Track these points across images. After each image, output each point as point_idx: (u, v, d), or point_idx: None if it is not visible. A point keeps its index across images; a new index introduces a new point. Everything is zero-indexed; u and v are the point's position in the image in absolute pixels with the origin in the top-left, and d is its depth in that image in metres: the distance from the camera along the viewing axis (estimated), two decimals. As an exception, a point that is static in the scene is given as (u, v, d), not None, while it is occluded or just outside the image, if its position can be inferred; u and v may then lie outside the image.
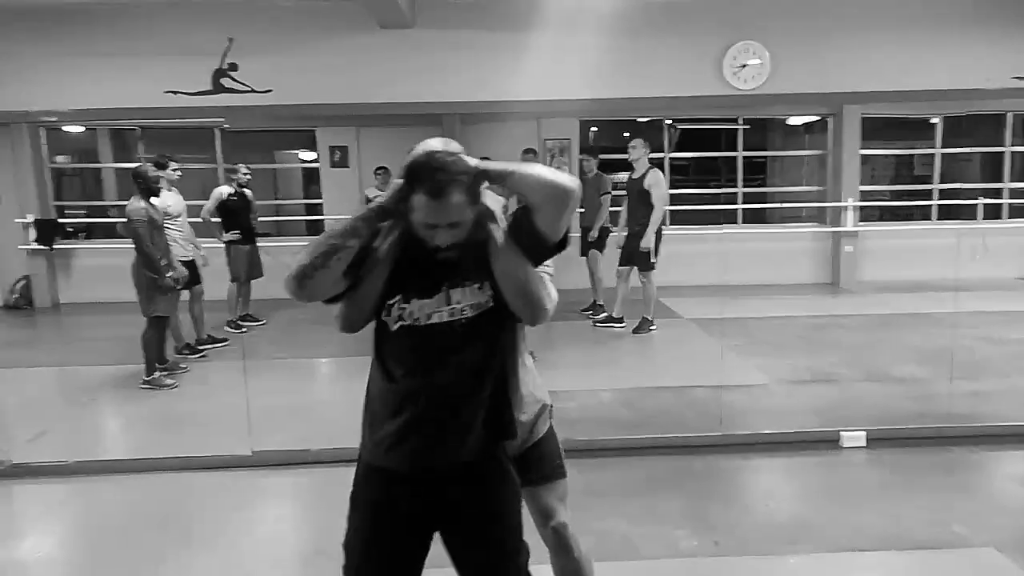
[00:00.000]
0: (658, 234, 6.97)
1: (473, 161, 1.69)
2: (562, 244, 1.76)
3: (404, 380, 1.75)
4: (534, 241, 1.72)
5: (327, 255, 1.64)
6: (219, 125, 9.54)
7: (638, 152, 7.01)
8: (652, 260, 7.00)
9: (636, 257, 7.04)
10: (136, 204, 5.47)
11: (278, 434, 4.40)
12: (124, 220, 5.63)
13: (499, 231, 1.73)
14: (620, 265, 7.30)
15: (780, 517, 3.49)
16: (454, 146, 1.85)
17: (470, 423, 1.76)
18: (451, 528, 1.83)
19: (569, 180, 1.67)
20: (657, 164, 7.56)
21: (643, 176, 6.94)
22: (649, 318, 7.15)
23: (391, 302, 1.74)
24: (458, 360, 1.74)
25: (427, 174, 1.62)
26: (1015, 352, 6.24)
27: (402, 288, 1.73)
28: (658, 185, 6.89)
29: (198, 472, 4.01)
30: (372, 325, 1.79)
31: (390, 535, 1.79)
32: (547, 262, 1.84)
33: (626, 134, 9.90)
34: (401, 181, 1.66)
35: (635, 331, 7.12)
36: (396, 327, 1.73)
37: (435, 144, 1.83)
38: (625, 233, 7.22)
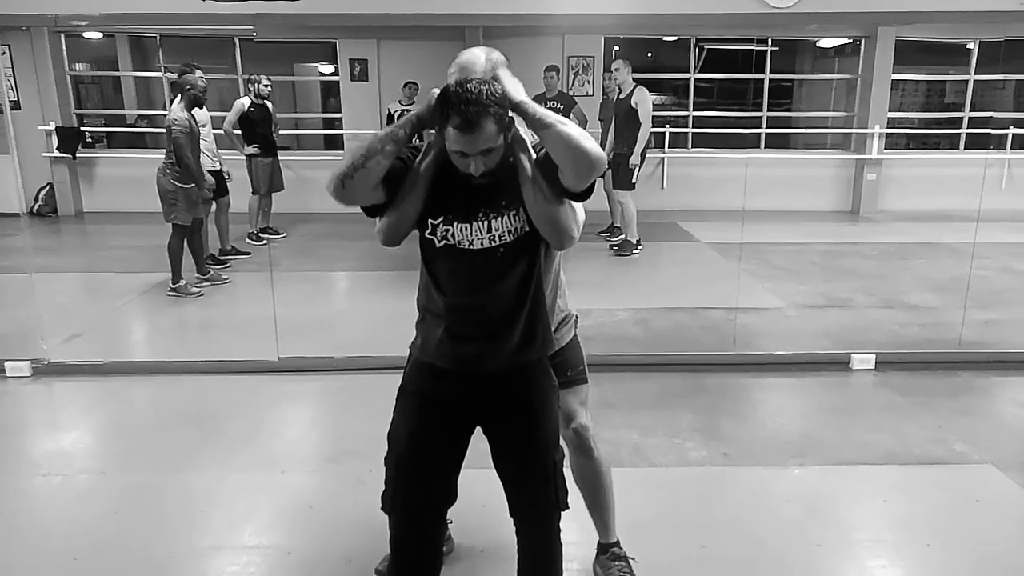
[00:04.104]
0: (642, 155, 6.92)
1: (513, 90, 1.70)
2: (586, 193, 1.79)
3: (450, 296, 1.84)
4: (557, 189, 1.76)
5: (366, 157, 1.68)
6: (241, 35, 9.39)
7: (622, 74, 6.92)
8: (633, 180, 6.96)
9: (618, 176, 6.99)
10: (179, 113, 5.39)
11: (302, 342, 4.55)
12: (149, 129, 5.65)
13: (528, 161, 1.77)
14: (607, 187, 7.27)
15: (788, 432, 3.61)
16: (496, 56, 1.86)
17: (510, 338, 1.85)
18: (493, 422, 1.93)
19: (597, 153, 1.69)
20: (677, 84, 7.41)
21: (629, 95, 6.85)
22: (632, 240, 7.14)
23: (434, 222, 1.80)
24: (500, 283, 1.81)
25: (459, 105, 1.62)
26: (1032, 283, 6.26)
27: (443, 209, 1.79)
28: (644, 102, 6.81)
29: (228, 375, 4.17)
30: (416, 238, 1.85)
31: (433, 424, 1.89)
32: None
33: (649, 54, 9.69)
34: (437, 95, 1.68)
35: (618, 253, 7.13)
36: (440, 245, 1.80)
37: (477, 56, 1.85)
38: (614, 153, 7.10)
